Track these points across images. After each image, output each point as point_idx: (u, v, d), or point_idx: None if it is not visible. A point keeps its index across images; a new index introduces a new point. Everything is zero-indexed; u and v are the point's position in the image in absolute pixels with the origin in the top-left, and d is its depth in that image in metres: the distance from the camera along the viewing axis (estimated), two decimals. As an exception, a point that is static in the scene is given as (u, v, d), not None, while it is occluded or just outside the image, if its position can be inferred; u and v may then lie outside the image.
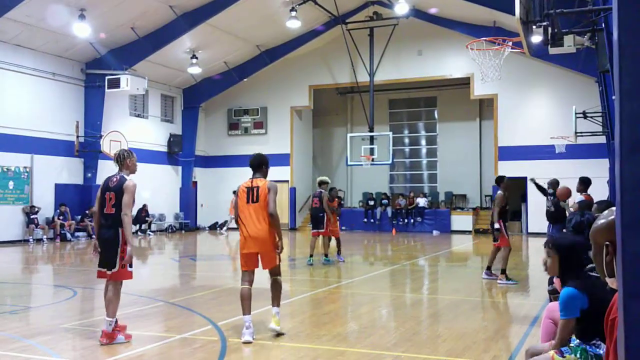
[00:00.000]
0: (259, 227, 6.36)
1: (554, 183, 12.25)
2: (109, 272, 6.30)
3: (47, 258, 16.55)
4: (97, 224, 6.51)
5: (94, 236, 7.18)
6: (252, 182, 6.54)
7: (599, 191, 17.66)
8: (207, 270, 14.25)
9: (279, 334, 6.41)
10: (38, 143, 20.65)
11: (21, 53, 20.14)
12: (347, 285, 10.94)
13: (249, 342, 6.12)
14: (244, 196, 6.48)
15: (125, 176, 6.43)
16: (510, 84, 24.13)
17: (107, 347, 6.03)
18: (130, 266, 6.37)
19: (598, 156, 22.03)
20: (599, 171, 21.75)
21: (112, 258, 6.28)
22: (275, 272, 6.57)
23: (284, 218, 28.08)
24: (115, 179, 6.41)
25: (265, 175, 6.67)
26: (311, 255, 13.42)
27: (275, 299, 6.52)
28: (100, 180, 22.71)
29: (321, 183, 13.79)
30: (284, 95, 28.23)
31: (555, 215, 11.37)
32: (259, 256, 6.45)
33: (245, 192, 6.48)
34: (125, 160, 6.50)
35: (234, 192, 7.19)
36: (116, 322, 6.26)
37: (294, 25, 23.07)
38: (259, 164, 6.67)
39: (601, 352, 3.41)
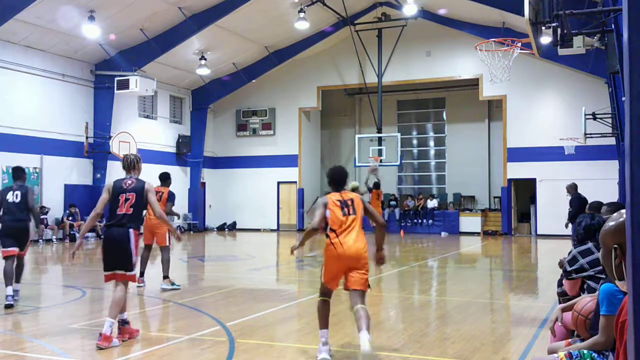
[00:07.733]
0: (356, 241, 5.78)
1: (572, 186, 12.61)
2: (128, 274, 6.30)
3: (56, 258, 16.63)
4: (91, 226, 6.73)
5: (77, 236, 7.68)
6: (341, 195, 5.98)
7: (609, 193, 17.62)
8: (216, 271, 14.27)
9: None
10: (47, 144, 20.77)
11: (31, 54, 20.26)
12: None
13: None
14: (338, 209, 5.87)
15: (140, 178, 6.63)
16: (520, 85, 24.04)
17: (117, 347, 6.04)
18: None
19: (608, 158, 21.94)
20: (608, 173, 21.71)
21: (127, 258, 6.27)
22: (361, 299, 5.71)
23: (292, 219, 28.11)
24: (130, 182, 6.53)
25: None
26: None
27: (365, 324, 5.44)
28: (110, 181, 22.85)
29: None
30: (292, 96, 28.25)
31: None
32: (346, 274, 5.84)
33: (339, 205, 5.88)
34: (138, 164, 6.75)
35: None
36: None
37: (303, 26, 23.09)
38: (345, 179, 6.17)
39: None
